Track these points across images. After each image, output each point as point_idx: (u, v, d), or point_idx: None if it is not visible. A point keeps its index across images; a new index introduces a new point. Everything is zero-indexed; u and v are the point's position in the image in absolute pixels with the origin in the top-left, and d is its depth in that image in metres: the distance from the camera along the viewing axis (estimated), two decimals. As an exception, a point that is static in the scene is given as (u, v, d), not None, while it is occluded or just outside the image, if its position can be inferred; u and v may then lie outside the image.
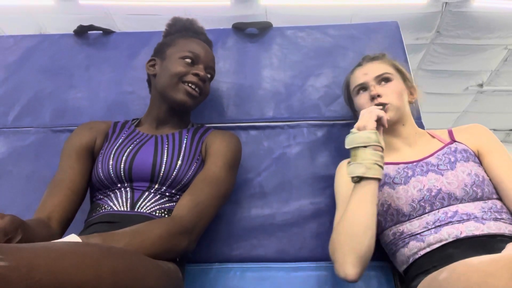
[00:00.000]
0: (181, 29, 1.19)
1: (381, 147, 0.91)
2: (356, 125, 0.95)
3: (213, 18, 3.61)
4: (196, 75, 1.07)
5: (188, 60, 1.08)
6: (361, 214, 0.87)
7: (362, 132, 0.92)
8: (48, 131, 1.33)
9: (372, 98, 1.05)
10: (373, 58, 1.14)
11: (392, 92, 1.05)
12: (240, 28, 1.49)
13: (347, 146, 0.94)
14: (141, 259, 0.67)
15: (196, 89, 1.08)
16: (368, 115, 0.94)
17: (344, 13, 3.61)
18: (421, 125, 1.25)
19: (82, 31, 1.51)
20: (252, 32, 1.50)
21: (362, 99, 1.08)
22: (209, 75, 1.14)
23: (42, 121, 1.35)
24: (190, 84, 1.07)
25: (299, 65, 1.42)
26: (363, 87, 1.09)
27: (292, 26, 1.51)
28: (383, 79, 1.07)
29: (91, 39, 1.51)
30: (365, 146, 0.90)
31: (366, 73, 1.09)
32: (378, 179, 0.90)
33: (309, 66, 1.42)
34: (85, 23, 1.52)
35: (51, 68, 1.45)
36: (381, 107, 1.00)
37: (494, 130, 5.53)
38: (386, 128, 0.96)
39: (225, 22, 1.60)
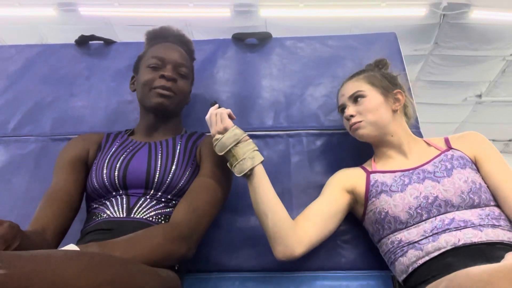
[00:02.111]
0: (153, 38, 1.21)
1: (247, 135, 1.00)
2: (214, 132, 1.00)
3: (214, 29, 3.65)
4: (162, 76, 1.08)
5: (154, 66, 1.10)
6: (261, 198, 0.96)
7: (227, 133, 0.98)
8: (48, 140, 1.33)
9: (347, 119, 1.10)
10: (350, 77, 1.17)
11: (364, 109, 1.07)
12: (240, 39, 1.51)
13: (221, 153, 0.99)
14: (140, 267, 0.67)
15: (167, 90, 1.08)
16: (217, 118, 1.01)
17: (343, 25, 3.65)
18: (419, 135, 1.26)
19: (83, 41, 1.52)
20: (252, 43, 1.51)
21: (343, 119, 1.13)
22: (181, 74, 1.13)
23: (42, 130, 1.35)
24: (160, 89, 1.07)
25: (299, 75, 1.43)
26: (343, 108, 1.13)
27: (292, 36, 1.53)
28: (356, 97, 1.09)
29: (92, 49, 1.52)
30: (236, 144, 0.97)
31: (343, 94, 1.14)
32: (261, 163, 0.98)
33: (308, 76, 1.43)
34: (86, 34, 1.53)
35: (52, 77, 1.46)
36: (216, 105, 1.06)
37: (493, 140, 5.54)
38: (235, 119, 1.04)
39: (225, 33, 1.61)
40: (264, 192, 0.96)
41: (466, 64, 4.16)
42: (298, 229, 0.96)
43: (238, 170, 0.97)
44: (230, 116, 1.03)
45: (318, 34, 1.55)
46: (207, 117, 1.05)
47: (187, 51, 1.21)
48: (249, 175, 0.97)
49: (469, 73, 4.31)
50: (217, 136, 0.99)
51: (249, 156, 0.96)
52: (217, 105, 1.07)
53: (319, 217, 1.00)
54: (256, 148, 0.99)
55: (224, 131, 0.99)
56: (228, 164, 1.00)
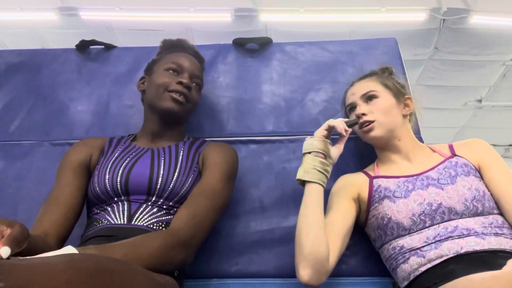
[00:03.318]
0: (170, 47, 1.23)
1: (324, 154, 0.98)
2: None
3: (214, 34, 3.66)
4: (180, 83, 1.09)
5: (172, 71, 1.12)
6: (305, 216, 0.94)
7: (310, 140, 1.00)
8: (48, 145, 1.33)
9: (358, 117, 1.08)
10: (362, 77, 1.17)
11: (377, 109, 1.06)
12: (240, 44, 1.51)
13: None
14: (137, 272, 0.67)
15: (181, 96, 1.09)
16: (323, 125, 1.02)
17: (343, 30, 3.66)
18: (420, 140, 1.25)
19: (83, 46, 1.52)
20: (253, 48, 1.51)
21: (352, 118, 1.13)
22: (195, 84, 1.15)
23: (42, 135, 1.35)
24: (175, 93, 1.09)
25: (299, 80, 1.43)
26: (353, 107, 1.12)
27: (292, 42, 1.53)
28: (369, 97, 1.09)
29: (93, 53, 1.52)
30: (309, 152, 0.98)
31: (354, 93, 1.13)
32: (319, 184, 0.95)
33: (308, 81, 1.43)
34: (87, 38, 1.53)
35: (52, 82, 1.46)
36: (348, 123, 1.02)
37: (494, 145, 5.53)
38: (345, 135, 1.01)
39: (226, 37, 1.62)
40: (310, 211, 0.94)
41: (466, 69, 4.16)
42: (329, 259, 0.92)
43: (297, 175, 0.99)
44: (334, 129, 0.99)
45: (318, 39, 1.55)
46: (334, 121, 1.01)
47: (202, 67, 1.24)
48: (301, 184, 0.99)
49: (469, 78, 4.32)
50: (309, 137, 1.02)
51: (305, 169, 0.97)
52: (348, 123, 1.02)
53: (339, 237, 0.97)
54: (318, 168, 0.96)
55: (314, 136, 1.01)
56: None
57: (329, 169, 0.99)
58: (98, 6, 3.57)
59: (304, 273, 0.89)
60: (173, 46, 1.23)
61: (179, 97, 1.09)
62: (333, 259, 0.93)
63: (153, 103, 1.11)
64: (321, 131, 1.00)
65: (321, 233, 0.92)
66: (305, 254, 0.90)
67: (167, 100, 1.08)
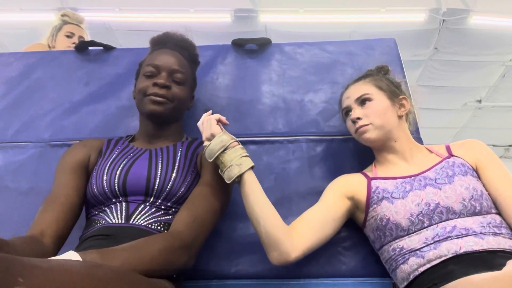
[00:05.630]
0: (153, 45, 1.21)
1: (236, 141, 0.99)
2: (204, 139, 1.01)
3: (214, 35, 3.66)
4: (155, 84, 1.08)
5: (149, 74, 1.10)
6: (251, 207, 0.96)
7: (214, 140, 0.98)
8: (46, 146, 1.33)
9: (353, 122, 1.08)
10: (357, 80, 1.17)
11: (371, 112, 1.06)
12: (239, 44, 1.51)
13: (210, 160, 0.98)
14: (137, 280, 0.66)
15: (160, 98, 1.07)
16: (207, 124, 1.01)
17: (343, 30, 3.67)
18: (420, 141, 1.25)
19: (83, 47, 1.52)
20: (252, 48, 1.51)
21: (348, 122, 1.13)
22: (177, 80, 1.11)
23: (41, 136, 1.35)
24: (153, 96, 1.07)
25: (298, 80, 1.43)
26: (348, 110, 1.12)
27: (291, 42, 1.53)
28: (363, 100, 1.09)
29: (92, 55, 1.52)
30: (224, 150, 0.96)
31: (348, 97, 1.13)
32: (249, 169, 0.97)
33: (308, 82, 1.43)
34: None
35: (51, 83, 1.45)
36: (209, 112, 1.06)
37: (493, 145, 5.54)
38: (228, 124, 1.04)
39: (225, 38, 1.62)
40: (255, 199, 0.95)
41: (466, 69, 4.17)
42: (293, 234, 0.95)
43: (227, 177, 0.96)
44: (221, 121, 1.03)
45: (317, 39, 1.55)
46: (199, 123, 1.05)
47: (188, 56, 1.19)
48: (238, 181, 0.97)
49: (469, 78, 4.32)
50: (206, 143, 1.00)
51: (236, 163, 0.95)
52: (210, 112, 1.06)
53: (315, 221, 0.99)
54: (245, 154, 0.98)
55: (212, 137, 0.99)
56: (219, 171, 0.99)
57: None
58: (97, 6, 3.58)
59: (271, 257, 0.95)
60: (156, 44, 1.20)
61: (157, 98, 1.06)
62: (303, 237, 0.96)
63: (139, 109, 1.12)
64: (215, 128, 0.99)
65: (269, 215, 0.95)
66: (264, 240, 0.95)
67: (147, 104, 1.07)
